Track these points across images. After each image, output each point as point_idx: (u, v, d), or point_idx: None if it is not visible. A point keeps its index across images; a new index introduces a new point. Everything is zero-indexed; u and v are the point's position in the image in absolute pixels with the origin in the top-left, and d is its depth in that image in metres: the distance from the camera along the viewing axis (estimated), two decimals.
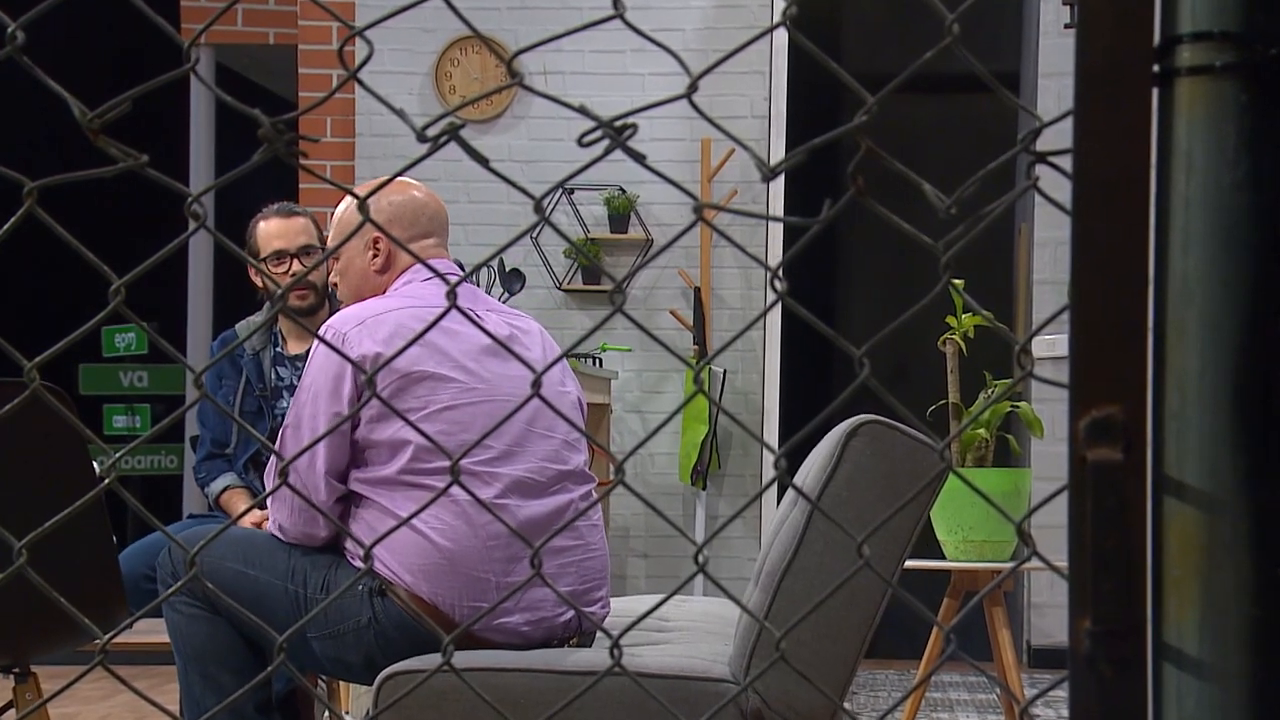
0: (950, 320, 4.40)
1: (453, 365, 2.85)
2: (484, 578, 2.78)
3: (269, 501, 3.04)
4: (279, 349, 4.18)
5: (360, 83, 1.00)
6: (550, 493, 2.89)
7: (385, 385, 2.83)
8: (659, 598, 3.21)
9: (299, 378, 4.12)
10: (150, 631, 3.72)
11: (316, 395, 2.86)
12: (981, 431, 4.34)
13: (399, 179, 3.12)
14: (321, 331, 2.89)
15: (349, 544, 2.91)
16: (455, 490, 2.75)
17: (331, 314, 4.14)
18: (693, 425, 6.61)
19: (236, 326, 4.26)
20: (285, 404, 4.11)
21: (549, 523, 2.86)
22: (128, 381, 7.76)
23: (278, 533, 2.95)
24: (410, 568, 2.79)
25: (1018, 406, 4.44)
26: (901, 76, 1.07)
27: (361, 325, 2.84)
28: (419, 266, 3.01)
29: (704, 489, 6.65)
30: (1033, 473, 4.64)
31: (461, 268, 3.48)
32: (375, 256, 3.05)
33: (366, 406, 2.82)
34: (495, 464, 2.84)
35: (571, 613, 2.87)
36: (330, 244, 3.15)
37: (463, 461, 2.80)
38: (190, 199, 0.98)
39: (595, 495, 3.04)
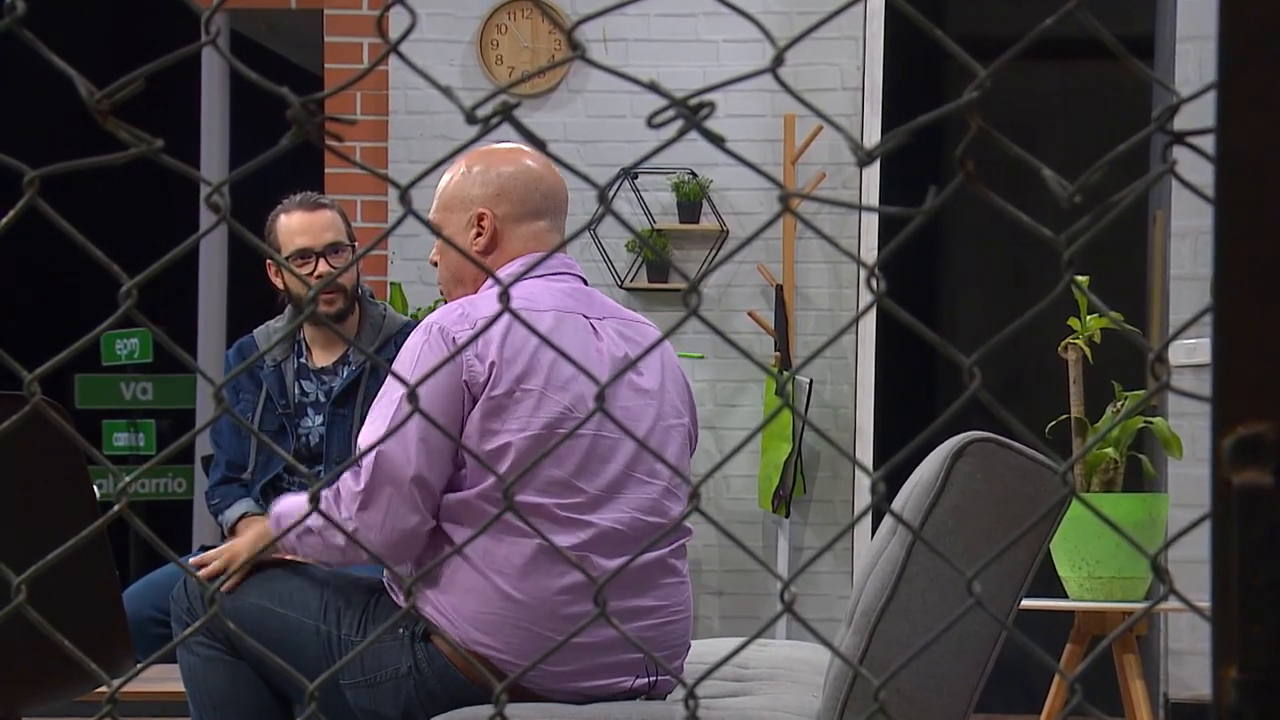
0: (1073, 323, 4.39)
1: (559, 387, 2.80)
2: (549, 636, 2.75)
3: (337, 510, 2.80)
4: (303, 360, 4.18)
5: (401, 56, 1.01)
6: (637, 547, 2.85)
7: (487, 400, 2.76)
8: (738, 641, 3.21)
9: (326, 393, 4.13)
10: (159, 679, 3.76)
11: (430, 394, 2.70)
12: (1110, 451, 4.32)
13: (510, 146, 3.06)
14: (424, 327, 2.84)
15: (389, 577, 2.92)
16: (529, 534, 2.73)
17: (361, 319, 4.16)
18: (775, 443, 6.61)
19: (255, 334, 4.27)
20: (310, 422, 4.13)
21: (632, 582, 2.83)
22: (130, 394, 7.78)
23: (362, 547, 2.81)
24: (465, 614, 2.77)
25: (1151, 422, 4.42)
26: (1018, 46, 1.07)
27: (475, 330, 2.76)
28: (528, 258, 2.94)
29: (787, 516, 6.65)
30: (1169, 499, 4.61)
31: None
32: (479, 235, 2.96)
33: (469, 419, 2.76)
34: (584, 510, 2.80)
35: (642, 679, 2.86)
36: (433, 219, 3.04)
37: (548, 504, 2.80)
38: (211, 189, 0.99)
39: (685, 549, 2.99)
